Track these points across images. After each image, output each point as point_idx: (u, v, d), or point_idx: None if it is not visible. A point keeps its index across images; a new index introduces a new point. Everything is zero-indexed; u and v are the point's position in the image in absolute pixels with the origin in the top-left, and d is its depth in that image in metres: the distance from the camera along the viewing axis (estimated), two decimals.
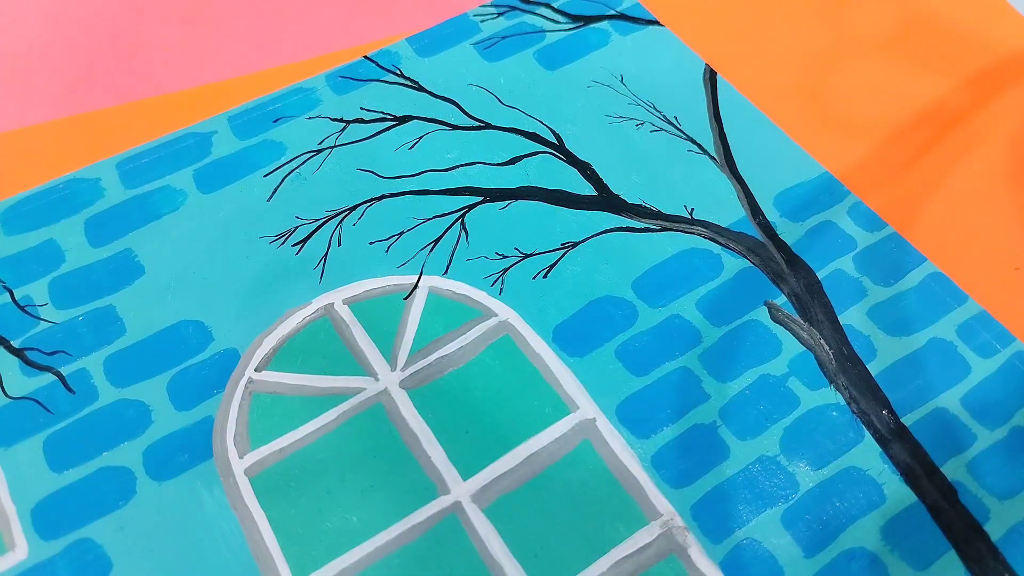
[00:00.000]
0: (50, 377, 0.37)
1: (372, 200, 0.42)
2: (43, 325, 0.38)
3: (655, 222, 0.41)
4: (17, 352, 0.37)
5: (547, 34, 0.49)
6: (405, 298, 0.39)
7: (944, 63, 0.47)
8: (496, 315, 0.39)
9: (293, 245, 0.41)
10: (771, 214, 0.41)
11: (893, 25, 0.48)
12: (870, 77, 0.46)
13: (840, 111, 0.45)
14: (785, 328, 0.38)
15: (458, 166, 0.43)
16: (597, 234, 0.41)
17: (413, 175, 0.43)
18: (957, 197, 0.42)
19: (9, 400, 0.36)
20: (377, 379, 0.37)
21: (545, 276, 0.40)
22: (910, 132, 0.44)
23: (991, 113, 0.45)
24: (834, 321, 0.38)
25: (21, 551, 0.33)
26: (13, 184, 0.43)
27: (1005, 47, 0.47)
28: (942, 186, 0.42)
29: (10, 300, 0.39)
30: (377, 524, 0.33)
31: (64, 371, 0.37)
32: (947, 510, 0.33)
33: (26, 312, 0.38)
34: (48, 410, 0.36)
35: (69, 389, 0.36)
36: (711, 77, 0.47)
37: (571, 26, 0.49)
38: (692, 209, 0.42)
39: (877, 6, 0.50)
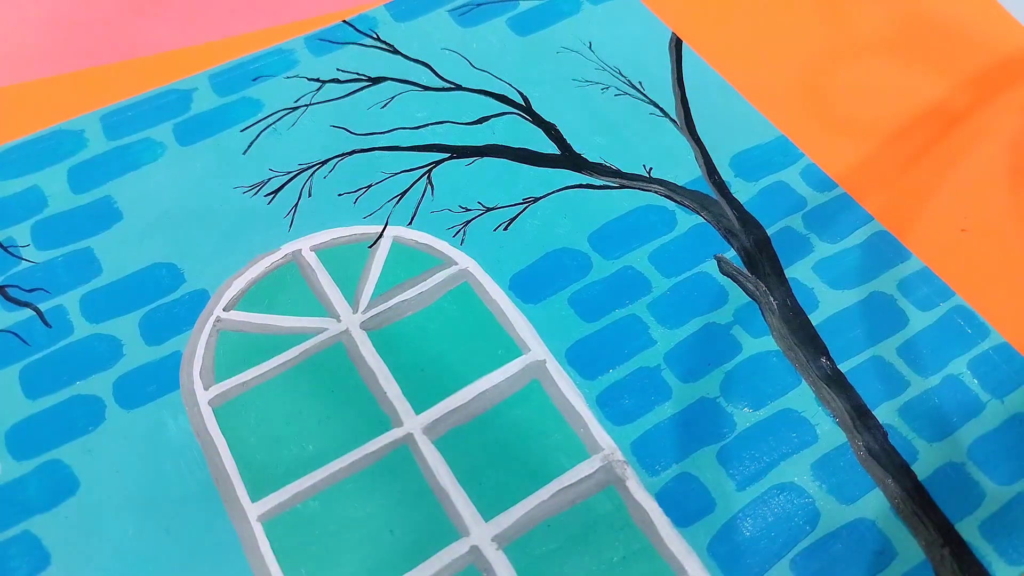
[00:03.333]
0: (28, 312, 0.38)
1: (343, 155, 0.44)
2: (24, 264, 0.40)
3: (614, 180, 0.43)
4: None
5: (521, 2, 0.50)
6: (370, 246, 0.41)
7: (941, 64, 0.48)
8: (456, 264, 0.40)
9: (266, 195, 0.42)
10: (726, 174, 0.43)
11: (891, 26, 0.49)
12: (867, 77, 0.47)
13: (837, 111, 0.46)
14: (733, 280, 0.39)
15: (427, 124, 0.45)
16: (558, 190, 0.42)
17: (384, 132, 0.45)
18: (954, 198, 0.42)
19: None
20: (339, 320, 0.38)
21: (506, 229, 0.41)
22: (907, 132, 0.45)
23: (988, 114, 0.46)
24: (780, 274, 0.40)
25: None
26: (0, 134, 0.44)
27: (1002, 49, 0.48)
28: (938, 186, 0.43)
29: None
30: (332, 453, 0.35)
31: (42, 307, 0.39)
32: (877, 450, 0.35)
33: (8, 252, 0.40)
34: (25, 342, 0.38)
35: (46, 323, 0.38)
36: (676, 45, 0.48)
37: None
38: (650, 168, 0.43)
39: (876, 7, 0.50)
